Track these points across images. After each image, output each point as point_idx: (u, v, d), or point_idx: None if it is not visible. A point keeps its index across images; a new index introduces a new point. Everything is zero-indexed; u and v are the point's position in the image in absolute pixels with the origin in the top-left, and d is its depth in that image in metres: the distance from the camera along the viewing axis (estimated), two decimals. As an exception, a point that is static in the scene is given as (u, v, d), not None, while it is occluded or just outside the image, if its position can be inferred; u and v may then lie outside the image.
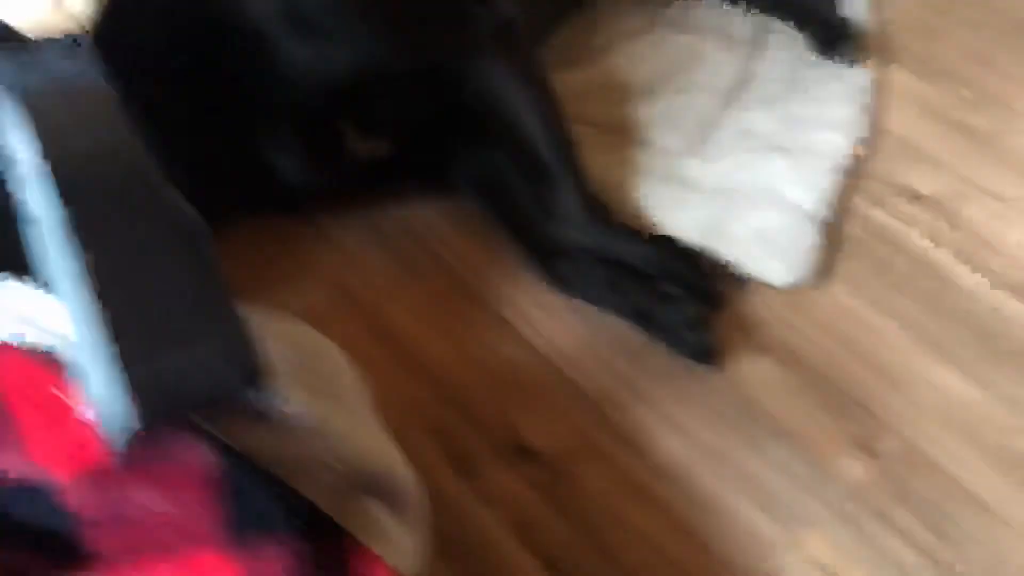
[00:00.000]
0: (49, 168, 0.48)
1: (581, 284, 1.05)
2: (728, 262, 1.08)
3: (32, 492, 0.46)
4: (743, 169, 1.17)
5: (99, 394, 0.45)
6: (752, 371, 1.01)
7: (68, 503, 0.46)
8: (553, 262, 1.06)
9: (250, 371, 0.47)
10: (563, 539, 0.89)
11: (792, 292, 1.07)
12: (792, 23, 1.34)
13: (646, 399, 0.99)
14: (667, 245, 1.06)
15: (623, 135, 1.22)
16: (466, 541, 0.88)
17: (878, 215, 1.17)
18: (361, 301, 1.08)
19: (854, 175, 1.20)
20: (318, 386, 0.57)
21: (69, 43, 0.58)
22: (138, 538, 0.47)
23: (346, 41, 1.00)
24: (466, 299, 1.08)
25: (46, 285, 0.51)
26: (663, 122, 1.23)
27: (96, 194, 0.49)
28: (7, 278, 0.55)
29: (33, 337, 0.49)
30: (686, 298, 1.01)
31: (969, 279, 1.10)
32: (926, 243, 1.14)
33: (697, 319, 0.99)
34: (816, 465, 0.94)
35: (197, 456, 0.46)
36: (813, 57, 1.31)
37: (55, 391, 0.44)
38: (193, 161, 0.81)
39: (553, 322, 1.04)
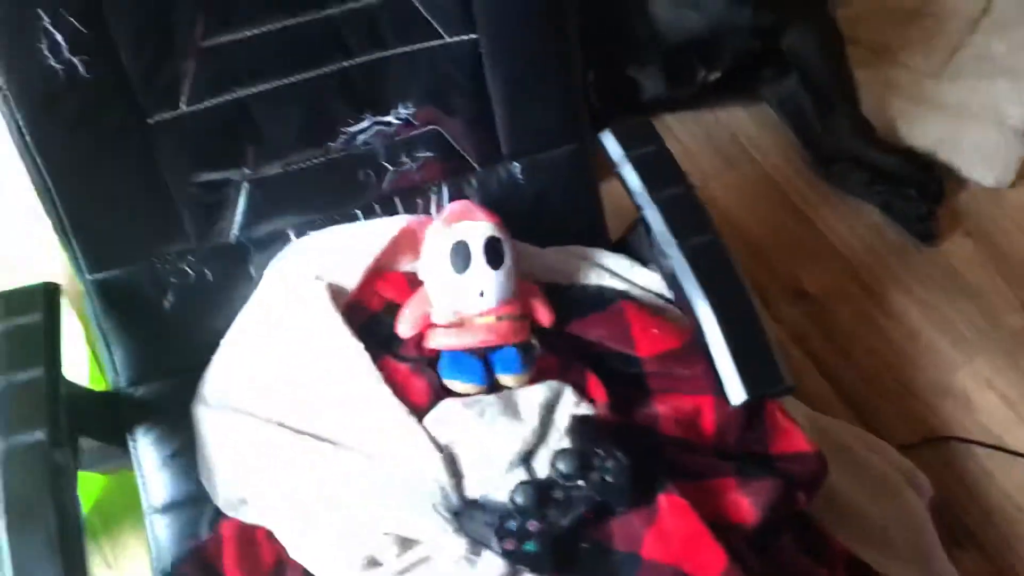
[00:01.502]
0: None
1: (847, 182, 1.56)
2: (953, 167, 1.56)
3: (628, 357, 1.04)
4: (975, 92, 1.60)
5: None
6: (957, 248, 1.53)
7: (644, 366, 1.05)
8: (829, 164, 1.58)
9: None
10: (824, 351, 1.46)
11: (996, 192, 1.56)
12: None
13: (884, 263, 1.52)
14: (909, 156, 1.56)
15: (886, 55, 1.65)
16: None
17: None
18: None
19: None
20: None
21: None
22: (672, 383, 1.05)
23: (699, 5, 1.48)
24: (766, 184, 1.60)
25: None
26: (919, 44, 1.65)
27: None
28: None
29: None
30: (919, 197, 1.52)
31: None
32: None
33: (926, 213, 1.51)
34: (991, 315, 1.48)
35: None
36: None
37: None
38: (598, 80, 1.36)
39: (826, 207, 1.57)
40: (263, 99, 0.96)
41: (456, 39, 0.99)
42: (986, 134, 1.57)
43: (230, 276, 1.00)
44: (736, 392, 0.88)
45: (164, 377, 1.00)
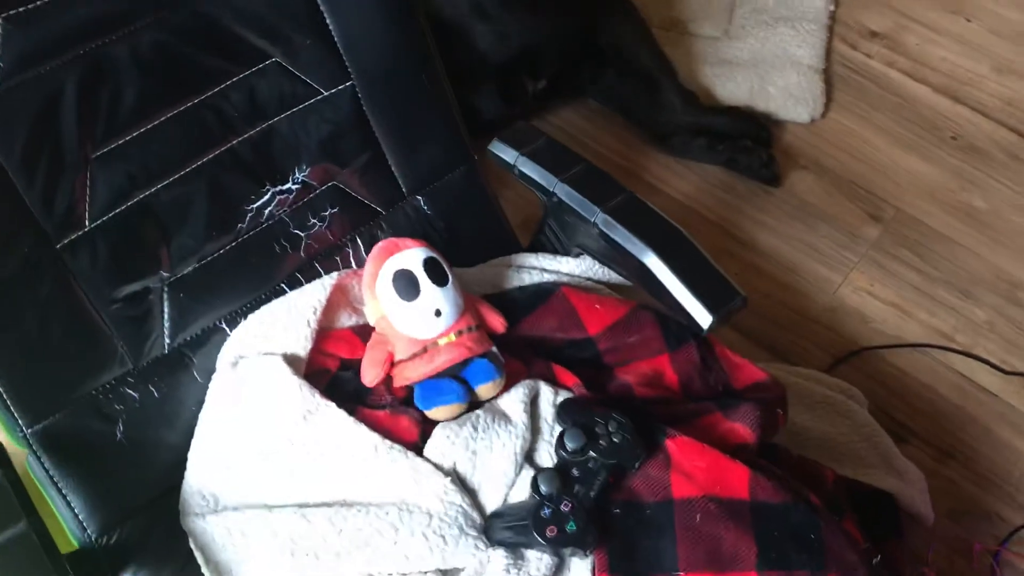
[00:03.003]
0: None
1: (689, 149, 1.68)
2: (769, 113, 1.71)
3: (580, 342, 1.08)
4: (765, 42, 1.76)
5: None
6: (799, 182, 1.66)
7: (598, 344, 1.09)
8: (667, 138, 1.69)
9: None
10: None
11: (812, 125, 1.72)
12: None
13: (744, 213, 1.64)
14: (734, 113, 1.69)
15: (677, 28, 1.80)
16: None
17: (851, 53, 1.79)
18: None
19: (831, 26, 1.80)
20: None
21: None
22: (626, 354, 1.09)
23: (516, 24, 1.56)
24: (615, 170, 1.67)
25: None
26: (700, 12, 1.81)
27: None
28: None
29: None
30: (755, 147, 1.64)
31: (918, 89, 1.74)
32: (884, 68, 1.77)
33: (768, 159, 1.63)
34: (849, 232, 1.61)
35: (650, 314, 1.08)
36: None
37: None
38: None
39: (676, 177, 1.68)
40: (164, 196, 0.95)
41: (334, 90, 1.02)
42: (788, 78, 1.72)
43: (176, 387, 0.98)
44: (702, 317, 0.93)
45: (136, 513, 0.96)
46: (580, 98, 1.76)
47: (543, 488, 0.86)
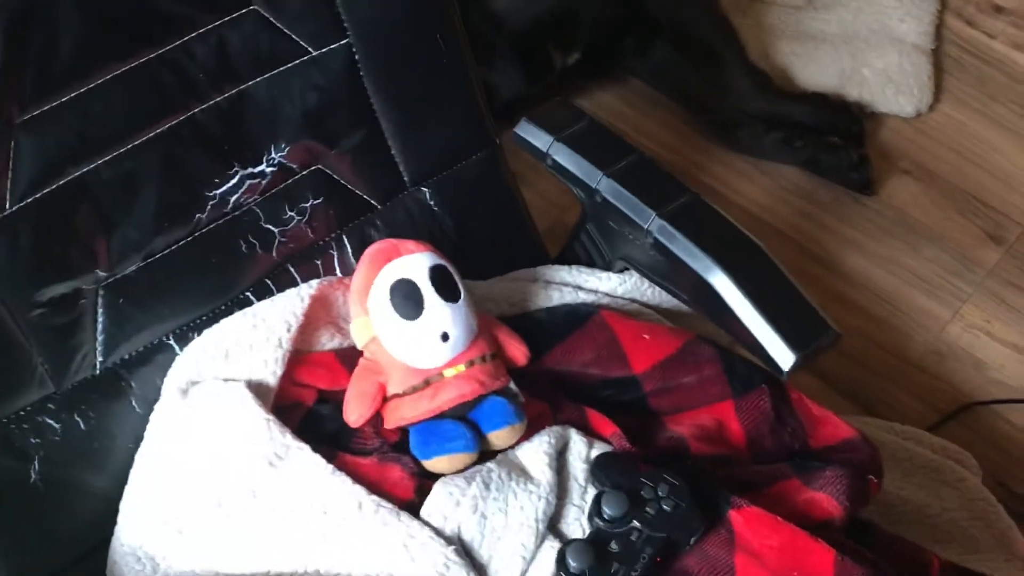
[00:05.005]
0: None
1: (760, 145, 1.67)
2: (863, 102, 1.70)
3: (621, 381, 1.07)
4: (856, 13, 1.76)
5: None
6: (899, 190, 1.66)
7: (643, 385, 1.07)
8: (732, 130, 1.68)
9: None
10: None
11: (916, 119, 1.71)
12: None
13: (826, 227, 1.63)
14: (818, 100, 1.68)
15: (749, -6, 1.80)
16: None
17: (968, 32, 1.79)
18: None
19: (943, -2, 1.81)
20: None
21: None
22: (680, 399, 1.08)
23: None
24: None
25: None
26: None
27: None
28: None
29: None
30: (844, 145, 1.64)
31: (1051, 80, 1.74)
32: (1009, 50, 1.77)
33: (858, 160, 1.63)
34: (961, 255, 1.60)
35: (711, 349, 1.07)
36: None
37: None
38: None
39: (741, 180, 1.67)
40: (106, 174, 0.94)
41: (325, 49, 1.01)
42: (887, 59, 1.72)
43: (109, 417, 0.97)
44: (783, 355, 0.92)
45: (54, 576, 0.95)
46: (621, 77, 1.76)
47: (573, 566, 0.84)
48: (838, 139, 1.65)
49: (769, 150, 1.67)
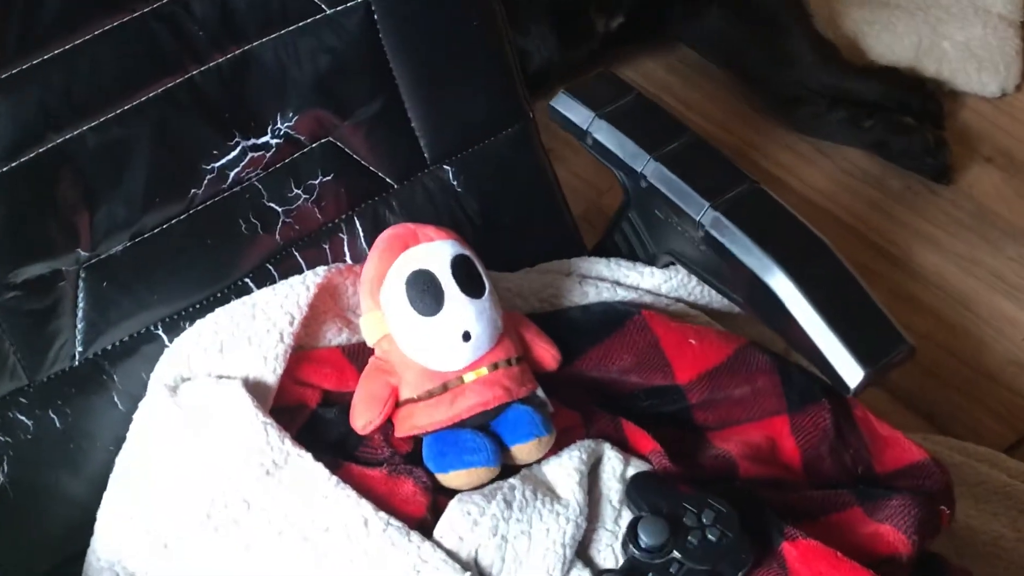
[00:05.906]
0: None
1: (823, 125, 1.65)
2: (942, 79, 1.68)
3: (663, 391, 1.06)
4: (939, -20, 1.74)
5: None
6: (980, 179, 1.64)
7: (688, 396, 1.06)
8: (792, 107, 1.66)
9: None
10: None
11: (1002, 100, 1.69)
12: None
13: (895, 218, 1.61)
14: (890, 76, 1.66)
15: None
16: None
17: (1064, 2, 1.76)
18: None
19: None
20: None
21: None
22: (728, 412, 1.07)
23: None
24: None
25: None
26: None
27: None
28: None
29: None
30: (918, 126, 1.61)
31: None
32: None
33: (934, 144, 1.60)
34: (1049, 256, 1.58)
35: (765, 357, 1.05)
36: None
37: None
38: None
39: (802, 163, 1.65)
40: (91, 141, 0.94)
41: (341, 7, 1.00)
42: (970, 32, 1.70)
43: (87, 414, 0.96)
44: (850, 370, 0.90)
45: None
46: (669, 44, 1.75)
47: (605, 600, 0.84)
48: (912, 120, 1.63)
49: (833, 130, 1.66)
